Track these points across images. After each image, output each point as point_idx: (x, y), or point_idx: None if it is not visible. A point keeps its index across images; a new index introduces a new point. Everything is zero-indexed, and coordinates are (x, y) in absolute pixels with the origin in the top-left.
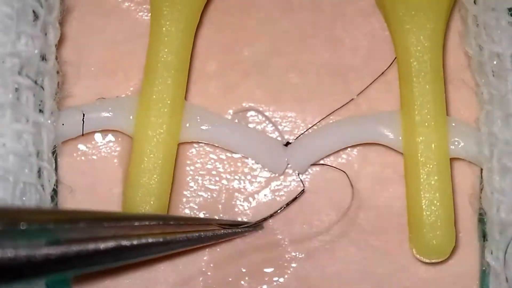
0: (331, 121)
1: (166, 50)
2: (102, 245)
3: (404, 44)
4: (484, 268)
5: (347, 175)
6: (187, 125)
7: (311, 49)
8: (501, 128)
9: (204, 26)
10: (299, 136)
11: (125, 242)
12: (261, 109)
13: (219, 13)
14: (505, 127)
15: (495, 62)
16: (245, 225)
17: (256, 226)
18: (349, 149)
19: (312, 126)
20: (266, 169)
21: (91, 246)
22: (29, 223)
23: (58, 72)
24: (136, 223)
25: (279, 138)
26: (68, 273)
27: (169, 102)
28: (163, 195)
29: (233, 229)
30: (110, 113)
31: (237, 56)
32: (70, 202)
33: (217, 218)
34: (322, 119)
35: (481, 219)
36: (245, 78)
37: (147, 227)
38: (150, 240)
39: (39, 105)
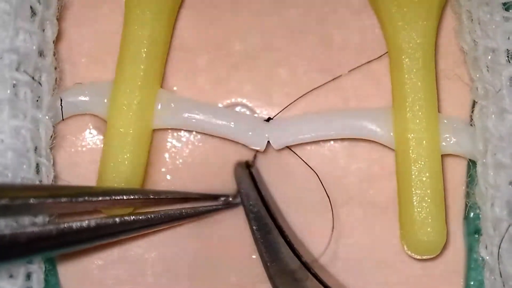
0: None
1: (140, 33)
2: (84, 224)
3: (396, 41)
4: (470, 265)
5: (317, 175)
6: (160, 109)
7: (301, 45)
8: (495, 123)
9: (195, 20)
10: (281, 111)
11: (107, 220)
12: (250, 104)
13: (210, 7)
14: (499, 122)
15: (489, 57)
16: (222, 203)
17: (235, 197)
18: (335, 144)
19: (292, 102)
20: (248, 145)
21: (75, 224)
22: (11, 199)
23: (55, 68)
24: (117, 198)
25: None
26: (52, 252)
27: (140, 84)
28: (135, 179)
29: (212, 205)
30: (87, 97)
31: (228, 50)
32: None
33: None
34: (305, 94)
35: (467, 216)
36: (235, 73)
37: (127, 202)
38: (132, 218)
39: (37, 101)
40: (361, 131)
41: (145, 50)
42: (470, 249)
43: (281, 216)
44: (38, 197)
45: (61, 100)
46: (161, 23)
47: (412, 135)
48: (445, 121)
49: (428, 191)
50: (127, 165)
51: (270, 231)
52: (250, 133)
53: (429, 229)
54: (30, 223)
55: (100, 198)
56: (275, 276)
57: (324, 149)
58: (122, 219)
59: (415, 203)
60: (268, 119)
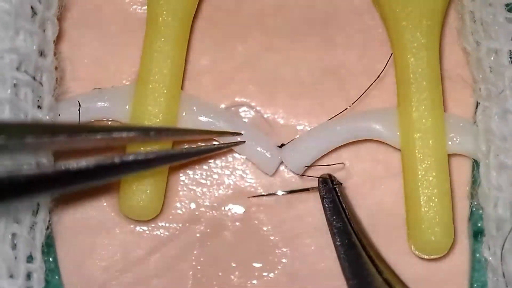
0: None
1: (162, 39)
2: (83, 164)
3: (400, 41)
4: (474, 265)
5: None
6: (183, 115)
7: (304, 46)
8: (498, 124)
9: (198, 21)
10: (294, 139)
11: (106, 160)
12: (253, 104)
13: (213, 8)
14: (502, 123)
15: (492, 58)
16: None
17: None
18: (340, 145)
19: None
20: (258, 167)
21: (73, 165)
22: (8, 137)
23: (56, 68)
24: (115, 135)
25: (271, 135)
26: (50, 193)
27: (165, 91)
28: (159, 184)
29: (214, 144)
30: (107, 103)
31: (230, 51)
32: (65, 196)
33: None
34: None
35: (471, 216)
36: (238, 74)
37: (126, 139)
38: (131, 157)
39: (38, 101)
40: (368, 132)
41: (170, 55)
42: (473, 250)
43: (364, 232)
44: (35, 135)
45: (79, 105)
46: (183, 26)
47: (418, 134)
48: (451, 120)
49: (435, 191)
50: (152, 174)
51: (353, 247)
52: (262, 157)
53: (436, 229)
54: (27, 163)
55: (99, 136)
56: None
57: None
58: (122, 159)
59: (422, 202)
60: (281, 146)
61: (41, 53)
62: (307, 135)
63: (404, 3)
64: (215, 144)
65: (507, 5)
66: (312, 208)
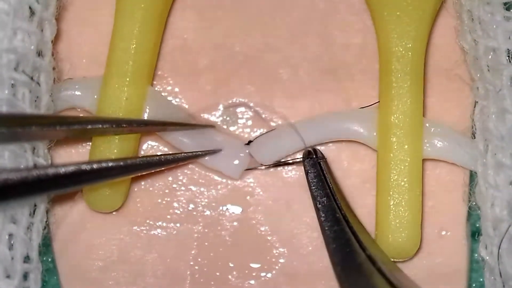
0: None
1: (129, 29)
2: (62, 169)
3: (386, 44)
4: (472, 266)
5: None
6: (147, 107)
7: (302, 45)
8: (496, 124)
9: (196, 21)
10: (263, 134)
11: (85, 166)
12: (251, 104)
13: (211, 8)
14: (500, 122)
15: (490, 57)
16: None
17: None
18: (338, 146)
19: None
20: (223, 174)
21: (51, 170)
22: None
23: (54, 68)
24: (89, 127)
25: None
26: (29, 198)
27: (128, 80)
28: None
29: (192, 152)
30: (78, 92)
31: (229, 51)
32: (62, 196)
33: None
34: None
35: (469, 217)
36: (236, 74)
37: (100, 130)
38: (110, 164)
39: (35, 101)
40: (347, 133)
41: (134, 46)
42: (472, 251)
43: (349, 207)
44: (8, 125)
45: (51, 95)
46: (152, 18)
47: (394, 139)
48: (428, 125)
49: (406, 196)
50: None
51: (338, 223)
52: (227, 160)
53: (403, 234)
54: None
55: (57, 128)
56: (340, 270)
57: (327, 150)
58: (100, 165)
59: (391, 206)
60: (249, 142)
61: (39, 53)
62: (277, 130)
63: (393, 6)
64: (192, 152)
65: (505, 3)
66: (310, 207)
